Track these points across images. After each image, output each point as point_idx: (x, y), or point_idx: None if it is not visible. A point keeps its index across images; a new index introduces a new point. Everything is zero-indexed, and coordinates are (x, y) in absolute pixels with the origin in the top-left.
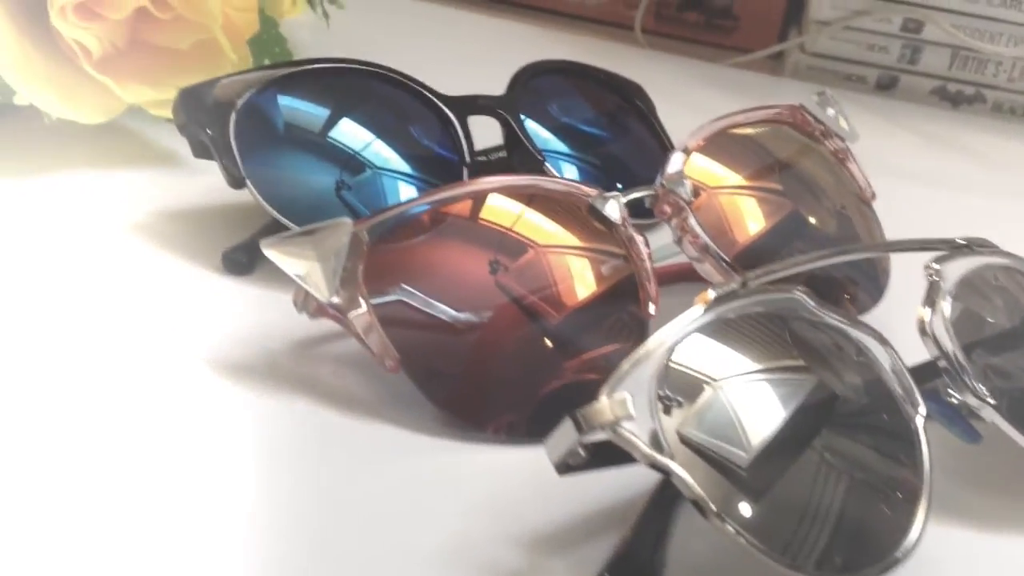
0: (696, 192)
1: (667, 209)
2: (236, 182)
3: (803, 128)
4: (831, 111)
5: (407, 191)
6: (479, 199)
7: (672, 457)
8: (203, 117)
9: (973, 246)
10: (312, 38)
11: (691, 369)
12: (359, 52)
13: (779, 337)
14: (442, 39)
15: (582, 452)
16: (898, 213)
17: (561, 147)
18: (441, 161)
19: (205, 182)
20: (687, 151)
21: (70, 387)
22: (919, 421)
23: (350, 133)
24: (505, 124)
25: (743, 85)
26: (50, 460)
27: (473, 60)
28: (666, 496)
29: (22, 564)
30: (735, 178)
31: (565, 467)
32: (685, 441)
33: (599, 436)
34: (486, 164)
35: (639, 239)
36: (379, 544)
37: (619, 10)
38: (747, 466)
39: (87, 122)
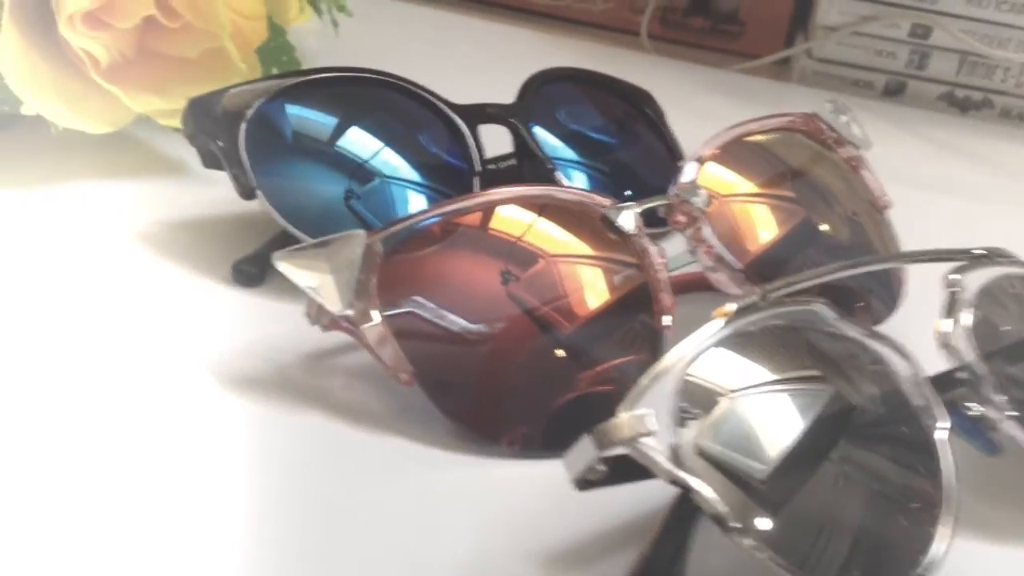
0: (710, 202)
1: (681, 219)
2: (247, 192)
3: (817, 136)
4: (844, 118)
5: (418, 200)
6: (492, 210)
7: (692, 472)
8: (213, 127)
9: (992, 256)
10: (319, 46)
11: (710, 384)
12: (366, 60)
13: (798, 350)
14: (447, 46)
15: (601, 468)
16: (907, 220)
17: (571, 155)
18: (451, 170)
19: (213, 192)
20: (701, 160)
21: (79, 399)
22: (942, 434)
23: (361, 142)
24: (515, 132)
25: (749, 91)
26: (59, 476)
27: (479, 67)
28: (684, 511)
29: None
30: (749, 187)
31: (584, 483)
32: (705, 456)
33: (618, 452)
34: (496, 173)
35: (653, 249)
36: (393, 560)
37: (625, 16)
38: (768, 481)
39: (95, 132)
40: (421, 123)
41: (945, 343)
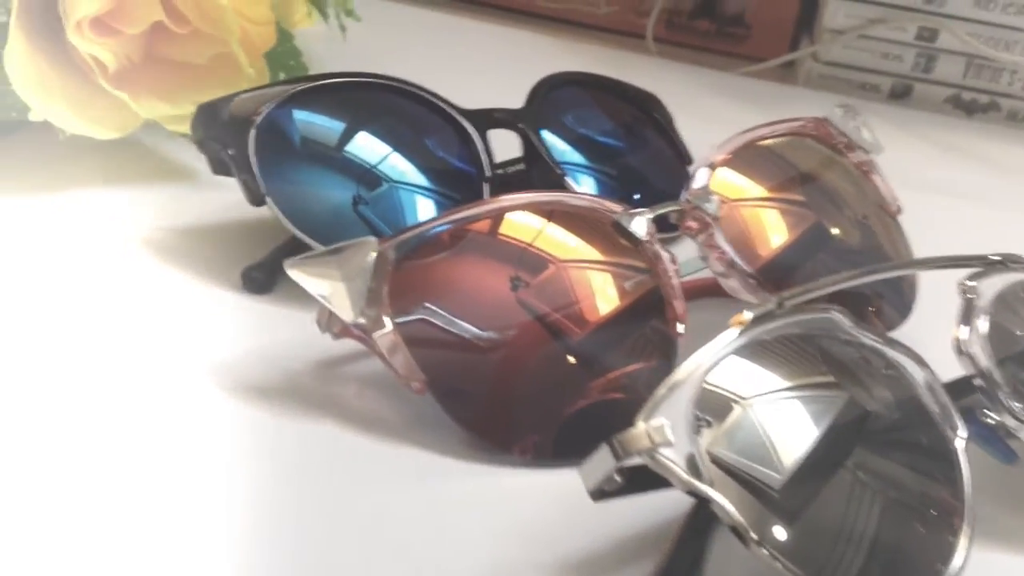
0: (722, 207)
1: (693, 225)
2: (256, 199)
3: (827, 141)
4: (855, 123)
5: (428, 206)
6: (504, 217)
7: (711, 483)
8: (222, 133)
9: (1007, 262)
10: (327, 50)
11: (728, 393)
12: (371, 64)
13: (815, 358)
14: (450, 49)
15: (618, 478)
16: (916, 224)
17: (580, 160)
18: (461, 175)
19: (221, 198)
20: (712, 166)
21: (87, 406)
22: (959, 443)
23: (371, 148)
24: (524, 137)
25: (755, 94)
26: (67, 485)
27: (484, 70)
28: (700, 520)
29: None
30: (761, 193)
31: (600, 493)
32: (723, 467)
33: (636, 462)
34: (505, 178)
35: (666, 256)
36: (405, 570)
37: (630, 18)
38: (787, 491)
39: (102, 138)
40: (431, 128)
41: (962, 350)
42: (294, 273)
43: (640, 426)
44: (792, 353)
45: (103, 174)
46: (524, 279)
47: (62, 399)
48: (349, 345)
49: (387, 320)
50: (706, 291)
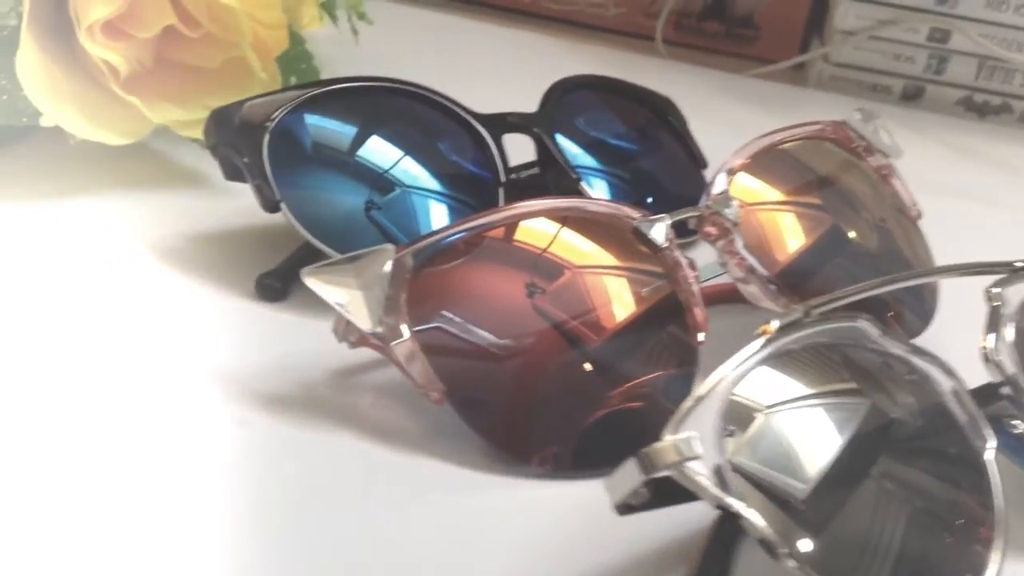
0: (741, 213)
1: (712, 230)
2: (270, 205)
3: (846, 144)
4: (873, 127)
5: (443, 211)
6: (522, 224)
7: (738, 496)
8: (235, 139)
9: None
10: (338, 54)
11: (755, 404)
12: (382, 67)
13: (841, 367)
14: (462, 52)
15: (645, 492)
16: (935, 228)
17: (595, 164)
18: (476, 180)
19: (234, 204)
20: (731, 171)
21: (99, 414)
22: (989, 454)
23: (386, 153)
24: (539, 142)
25: (765, 96)
26: (81, 492)
27: (493, 72)
28: (726, 533)
29: None
30: (780, 198)
31: (626, 507)
32: (751, 479)
33: (663, 476)
34: (519, 182)
35: (685, 262)
36: None
37: (639, 20)
38: (816, 503)
39: (113, 143)
40: (445, 133)
41: (989, 358)
42: (311, 281)
43: (667, 439)
44: (818, 362)
45: (114, 180)
46: (543, 286)
47: (74, 408)
48: (366, 353)
49: (405, 329)
50: (724, 297)
